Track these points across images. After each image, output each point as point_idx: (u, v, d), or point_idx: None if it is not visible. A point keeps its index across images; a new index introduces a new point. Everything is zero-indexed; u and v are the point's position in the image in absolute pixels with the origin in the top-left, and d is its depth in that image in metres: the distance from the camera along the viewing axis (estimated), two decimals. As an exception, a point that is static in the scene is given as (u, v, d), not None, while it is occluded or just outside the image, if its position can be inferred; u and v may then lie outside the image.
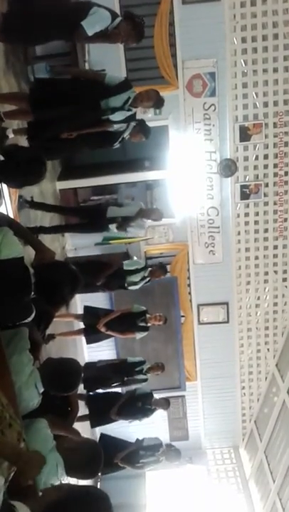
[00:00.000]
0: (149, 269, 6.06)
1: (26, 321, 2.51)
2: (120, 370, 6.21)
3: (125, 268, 5.94)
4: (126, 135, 4.70)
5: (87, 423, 6.12)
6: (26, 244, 2.97)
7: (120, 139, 4.63)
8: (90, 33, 3.87)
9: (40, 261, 2.84)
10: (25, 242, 2.88)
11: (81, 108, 4.14)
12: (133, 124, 4.62)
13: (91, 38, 4.05)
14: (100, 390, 6.28)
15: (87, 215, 5.84)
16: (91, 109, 4.21)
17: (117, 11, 5.81)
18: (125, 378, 6.10)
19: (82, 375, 5.64)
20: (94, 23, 3.82)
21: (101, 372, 6.17)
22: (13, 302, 2.37)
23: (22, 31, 3.94)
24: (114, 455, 6.00)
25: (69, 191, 6.76)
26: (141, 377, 6.14)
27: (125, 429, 6.73)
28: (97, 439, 6.41)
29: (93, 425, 6.38)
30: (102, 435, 6.49)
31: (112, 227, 5.52)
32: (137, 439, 6.34)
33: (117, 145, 4.69)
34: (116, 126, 4.33)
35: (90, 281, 5.67)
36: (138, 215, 5.59)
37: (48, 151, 4.26)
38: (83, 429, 6.34)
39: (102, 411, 6.03)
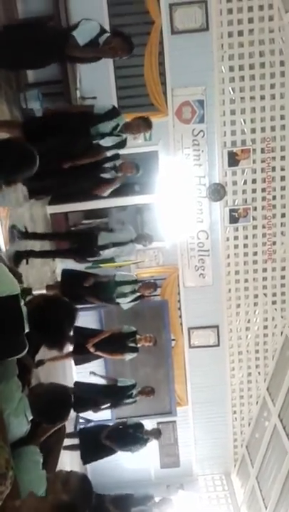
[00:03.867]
0: (139, 284, 6.02)
1: (19, 356, 2.51)
2: (110, 393, 6.15)
3: (116, 279, 5.90)
4: (118, 163, 4.82)
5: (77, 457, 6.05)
6: None
7: (112, 165, 4.74)
8: (81, 42, 3.94)
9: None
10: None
11: (72, 135, 4.24)
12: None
13: (83, 51, 4.09)
14: (89, 417, 6.21)
15: (78, 241, 5.84)
16: (81, 135, 4.32)
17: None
18: (115, 402, 6.04)
19: (73, 392, 5.63)
20: (84, 31, 3.93)
21: (91, 394, 6.10)
22: (7, 340, 2.39)
23: (13, 54, 4.00)
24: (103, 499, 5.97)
25: (60, 215, 6.80)
26: (130, 400, 6.08)
27: (116, 458, 6.62)
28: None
29: (85, 462, 6.29)
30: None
31: (103, 253, 5.53)
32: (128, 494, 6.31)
33: (109, 170, 4.79)
34: (109, 153, 4.44)
35: (80, 293, 5.66)
36: (129, 241, 5.63)
37: (43, 188, 4.39)
38: (72, 463, 6.27)
39: (94, 444, 5.95)
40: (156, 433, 6.23)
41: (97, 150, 4.47)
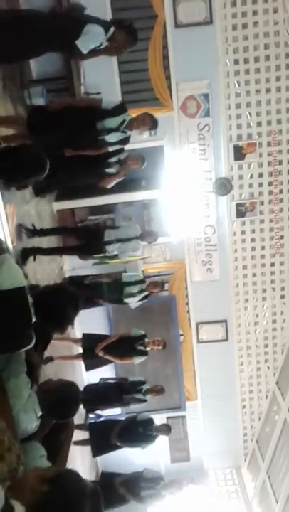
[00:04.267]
0: (147, 283, 6.03)
1: (26, 348, 2.54)
2: (121, 388, 6.17)
3: (124, 280, 5.92)
4: (122, 157, 4.80)
5: (88, 450, 6.08)
6: None
7: (117, 159, 4.71)
8: (84, 51, 3.86)
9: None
10: None
11: (78, 129, 4.21)
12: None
13: (87, 57, 4.05)
14: (99, 412, 6.23)
15: (84, 237, 5.86)
16: (87, 130, 4.29)
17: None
18: (124, 396, 6.06)
19: (82, 396, 5.66)
20: (88, 41, 3.78)
21: (102, 392, 6.13)
22: (14, 332, 2.42)
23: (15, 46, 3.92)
24: (114, 482, 5.97)
25: (66, 212, 6.80)
26: (140, 396, 6.10)
27: (126, 453, 6.65)
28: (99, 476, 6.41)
29: (95, 454, 6.33)
30: (103, 473, 6.46)
31: (109, 248, 5.53)
32: (136, 471, 6.32)
33: (113, 164, 4.76)
34: (111, 149, 4.42)
35: (88, 296, 5.69)
36: (133, 238, 5.63)
37: (48, 184, 4.37)
38: (83, 456, 6.30)
39: (104, 440, 5.98)
40: (166, 429, 6.24)
41: (100, 144, 4.43)
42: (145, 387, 6.12)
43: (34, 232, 5.12)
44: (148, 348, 5.95)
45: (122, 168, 5.12)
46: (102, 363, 6.16)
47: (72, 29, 3.76)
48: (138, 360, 5.99)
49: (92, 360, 6.10)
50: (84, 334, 6.17)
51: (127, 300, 5.90)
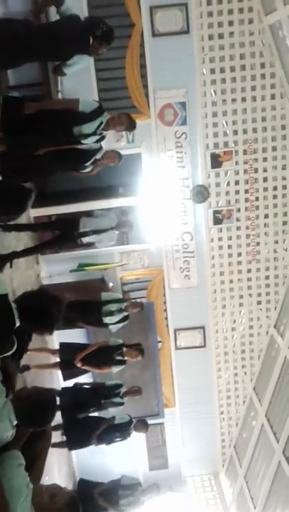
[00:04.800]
0: (125, 303, 6.01)
1: (8, 354, 2.60)
2: (98, 393, 6.12)
3: (102, 299, 5.89)
4: (98, 156, 4.74)
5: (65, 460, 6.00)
6: None
7: (93, 160, 4.66)
8: (69, 73, 3.99)
9: None
10: None
11: (53, 134, 4.16)
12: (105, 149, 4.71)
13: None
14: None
15: (59, 227, 5.78)
16: (63, 134, 4.24)
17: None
18: (102, 401, 6.00)
19: (59, 402, 5.58)
20: (74, 68, 3.95)
21: (78, 398, 6.06)
22: None
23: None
24: (93, 493, 5.91)
25: (43, 218, 6.75)
26: (117, 400, 6.05)
27: (104, 461, 6.60)
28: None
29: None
30: (81, 481, 6.39)
31: (84, 239, 5.49)
32: (114, 479, 6.28)
33: (89, 166, 4.71)
34: (85, 146, 4.37)
35: (71, 320, 5.66)
36: (109, 228, 5.61)
37: (20, 173, 4.30)
38: (60, 465, 6.22)
39: (80, 435, 5.92)
40: (143, 427, 6.18)
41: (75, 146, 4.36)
42: (122, 390, 6.09)
43: (6, 228, 5.01)
44: (126, 358, 5.91)
45: (97, 165, 5.04)
46: (80, 372, 6.08)
47: (60, 58, 3.83)
48: (116, 369, 5.95)
49: (69, 371, 6.03)
50: (61, 344, 6.10)
51: (106, 319, 5.85)
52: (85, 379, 6.89)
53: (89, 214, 5.92)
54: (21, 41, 3.88)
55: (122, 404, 6.04)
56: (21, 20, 4.26)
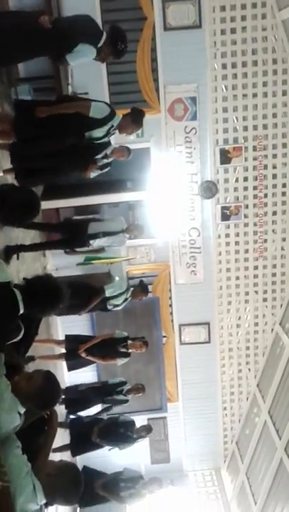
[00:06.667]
0: (131, 289, 6.04)
1: (15, 340, 2.64)
2: (101, 392, 6.16)
3: (107, 296, 5.89)
4: (108, 151, 4.74)
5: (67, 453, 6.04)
6: None
7: (103, 154, 4.66)
8: (72, 63, 3.97)
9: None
10: None
11: (64, 139, 4.16)
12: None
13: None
14: (81, 413, 6.21)
15: (68, 231, 5.76)
16: (74, 138, 4.24)
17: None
18: (105, 398, 6.05)
19: (64, 397, 5.62)
20: (78, 58, 3.89)
21: (82, 395, 6.11)
22: (3, 325, 2.51)
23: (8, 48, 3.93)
24: (94, 483, 5.96)
25: (51, 211, 6.78)
26: (121, 397, 6.10)
27: (106, 454, 6.64)
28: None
29: (74, 454, 6.30)
30: (84, 467, 6.44)
31: (93, 242, 5.48)
32: (116, 471, 6.33)
33: (100, 159, 4.71)
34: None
35: (76, 305, 5.65)
36: (119, 231, 5.60)
37: (31, 174, 4.31)
38: (63, 458, 6.25)
39: (84, 438, 5.97)
40: (147, 430, 6.25)
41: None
42: (126, 387, 6.13)
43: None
44: (130, 350, 5.94)
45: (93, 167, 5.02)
46: (85, 363, 6.14)
47: (65, 45, 3.82)
48: (121, 361, 5.99)
49: (74, 361, 6.07)
50: (67, 336, 6.14)
51: (112, 308, 5.93)
52: (90, 379, 6.97)
53: (97, 219, 5.92)
54: (31, 35, 3.87)
55: (126, 401, 6.08)
56: (31, 13, 4.26)
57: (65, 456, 6.14)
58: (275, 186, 7.11)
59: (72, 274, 6.77)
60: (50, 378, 2.67)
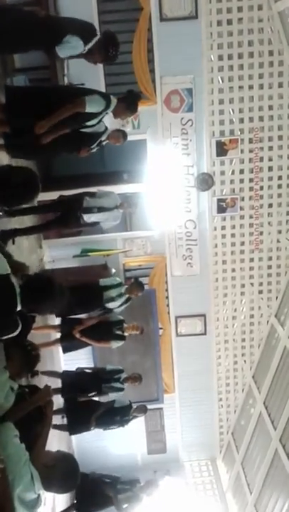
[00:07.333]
0: (126, 286, 6.00)
1: (13, 335, 2.60)
2: (98, 377, 6.17)
3: (101, 285, 5.86)
4: (104, 138, 4.72)
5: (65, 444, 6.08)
6: None
7: (98, 142, 4.64)
8: (62, 56, 4.03)
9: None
10: None
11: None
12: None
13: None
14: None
15: (62, 207, 5.67)
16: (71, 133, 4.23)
17: (96, 26, 5.89)
18: (102, 385, 6.06)
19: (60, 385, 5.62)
20: (66, 49, 3.92)
21: (79, 379, 6.11)
22: (1, 318, 2.49)
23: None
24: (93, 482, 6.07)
25: (47, 202, 6.73)
26: (118, 385, 6.10)
27: (103, 443, 6.69)
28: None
29: (71, 433, 6.34)
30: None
31: (88, 218, 5.44)
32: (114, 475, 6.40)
33: (95, 147, 4.69)
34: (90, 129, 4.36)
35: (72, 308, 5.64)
36: (114, 207, 5.57)
37: (23, 150, 4.30)
38: (60, 437, 6.31)
39: (81, 419, 5.99)
40: (142, 410, 6.26)
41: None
42: (123, 375, 6.14)
43: (10, 213, 4.98)
44: (126, 333, 5.93)
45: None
46: (79, 345, 6.05)
47: (53, 36, 3.86)
48: (116, 344, 5.94)
49: (69, 343, 6.03)
50: (62, 318, 6.09)
51: (109, 305, 5.80)
52: (85, 363, 6.98)
53: (92, 194, 5.88)
54: (26, 28, 3.88)
55: (122, 389, 6.10)
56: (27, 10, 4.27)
57: (63, 443, 6.17)
58: (270, 179, 7.13)
59: (69, 266, 6.78)
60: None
